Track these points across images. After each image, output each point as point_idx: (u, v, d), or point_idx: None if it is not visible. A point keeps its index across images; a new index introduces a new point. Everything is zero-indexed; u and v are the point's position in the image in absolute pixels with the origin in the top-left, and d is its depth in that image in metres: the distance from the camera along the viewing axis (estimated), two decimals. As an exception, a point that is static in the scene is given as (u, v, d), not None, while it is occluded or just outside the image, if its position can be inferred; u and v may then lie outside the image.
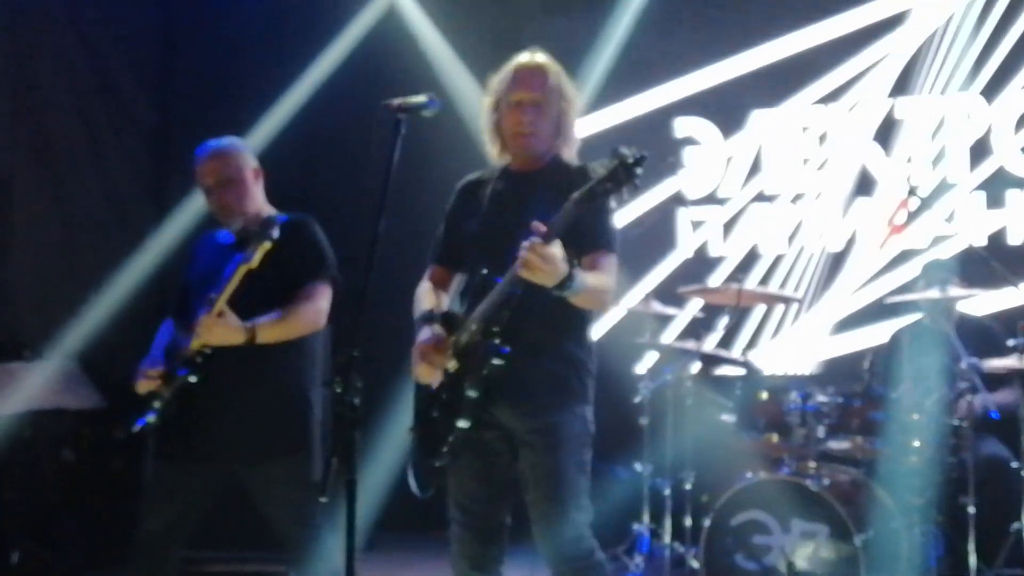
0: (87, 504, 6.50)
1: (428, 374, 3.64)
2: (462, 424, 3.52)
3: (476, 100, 7.09)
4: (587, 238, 3.53)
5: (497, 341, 3.46)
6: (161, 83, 8.12)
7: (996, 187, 6.56)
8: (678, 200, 6.98)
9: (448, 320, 3.70)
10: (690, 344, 5.95)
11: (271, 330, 4.03)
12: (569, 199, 3.27)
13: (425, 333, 3.64)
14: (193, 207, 6.71)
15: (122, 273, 7.07)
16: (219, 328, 3.91)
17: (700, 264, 7.13)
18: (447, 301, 3.84)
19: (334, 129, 7.18)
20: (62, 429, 6.60)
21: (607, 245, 3.60)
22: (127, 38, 7.84)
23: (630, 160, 3.17)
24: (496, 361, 3.46)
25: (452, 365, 3.60)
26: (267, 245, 3.87)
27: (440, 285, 3.87)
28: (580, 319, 3.64)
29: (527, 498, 3.58)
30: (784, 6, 7.10)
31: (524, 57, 3.78)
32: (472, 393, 3.50)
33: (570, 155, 3.75)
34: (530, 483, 3.56)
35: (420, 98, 3.53)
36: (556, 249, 3.26)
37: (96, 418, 6.44)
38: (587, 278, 3.42)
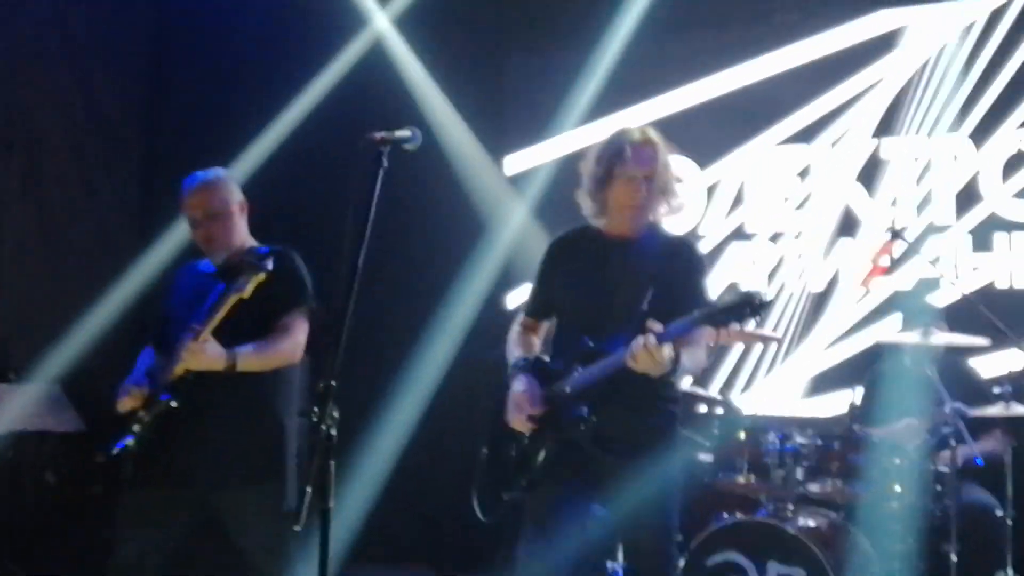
0: (68, 526, 6.50)
1: (523, 424, 3.93)
2: (532, 471, 3.92)
3: (457, 133, 7.26)
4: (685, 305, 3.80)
5: (586, 409, 3.79)
6: (149, 115, 8.19)
7: (984, 231, 6.54)
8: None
9: (540, 369, 4.04)
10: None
11: (251, 360, 4.08)
12: (694, 315, 3.60)
13: (522, 383, 3.97)
14: (176, 236, 6.75)
15: (105, 300, 7.08)
16: (203, 354, 3.95)
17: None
18: (538, 345, 4.23)
19: (318, 161, 7.25)
20: (45, 452, 6.63)
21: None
22: (117, 70, 7.92)
23: (757, 302, 3.50)
24: (583, 427, 3.80)
25: (537, 416, 3.92)
26: (261, 277, 3.90)
27: (531, 331, 4.26)
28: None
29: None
30: (764, 34, 7.10)
31: (636, 133, 4.02)
32: (548, 451, 3.90)
33: (666, 218, 4.09)
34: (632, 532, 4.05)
35: (403, 132, 3.55)
36: (667, 350, 3.61)
37: (78, 441, 6.44)
38: (686, 362, 3.78)
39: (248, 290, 3.89)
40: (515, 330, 4.26)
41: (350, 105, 7.26)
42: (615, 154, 3.97)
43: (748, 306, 3.51)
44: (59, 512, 6.60)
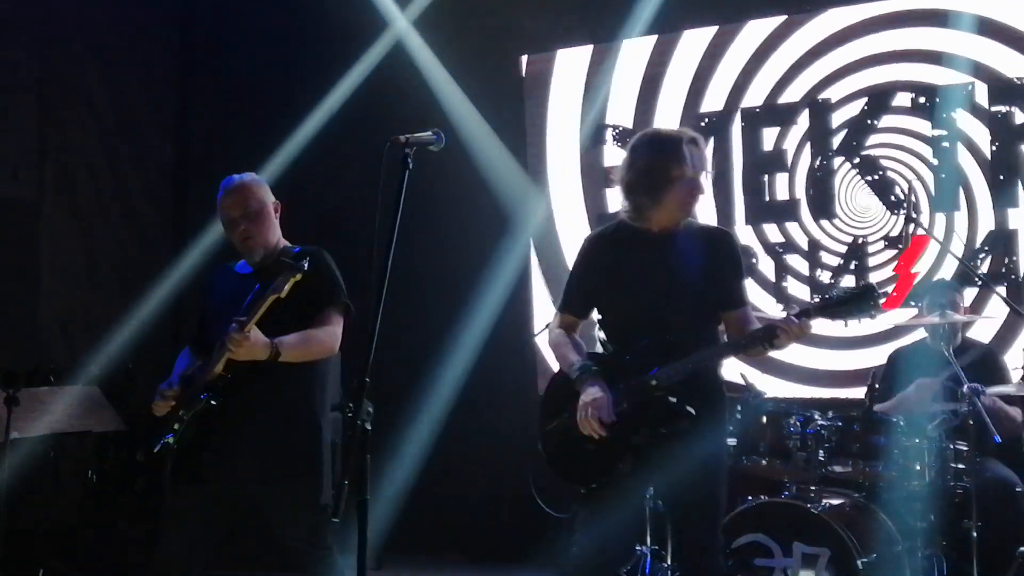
0: (110, 524, 6.63)
1: (595, 430, 3.89)
2: (623, 467, 3.92)
3: (480, 133, 7.32)
4: (734, 294, 4.05)
5: (675, 400, 3.87)
6: (179, 120, 8.31)
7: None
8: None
9: (606, 367, 4.01)
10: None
11: (293, 350, 4.14)
12: (812, 307, 3.79)
13: (596, 389, 3.93)
14: (208, 238, 6.88)
15: (141, 302, 7.22)
16: (248, 344, 4.01)
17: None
18: (579, 343, 4.19)
19: (344, 161, 7.35)
20: (86, 451, 6.75)
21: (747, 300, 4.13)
22: (146, 77, 8.05)
23: (877, 295, 3.64)
24: (684, 423, 3.87)
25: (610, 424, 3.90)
26: (297, 277, 3.98)
27: (572, 329, 4.22)
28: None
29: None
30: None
31: (689, 134, 4.07)
32: (642, 441, 3.90)
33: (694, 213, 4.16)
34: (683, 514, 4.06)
35: (427, 134, 3.62)
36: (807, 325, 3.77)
37: (118, 441, 6.58)
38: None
39: (285, 290, 3.98)
40: (557, 331, 4.22)
41: (373, 106, 7.35)
42: (672, 155, 3.97)
43: (869, 299, 3.64)
44: (101, 510, 6.73)
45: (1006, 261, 6.43)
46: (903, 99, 6.71)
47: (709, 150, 7.07)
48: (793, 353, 6.68)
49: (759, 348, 3.86)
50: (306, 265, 4.00)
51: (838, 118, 6.89)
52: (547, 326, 4.41)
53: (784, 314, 3.86)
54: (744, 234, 7.11)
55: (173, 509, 4.28)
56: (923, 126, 6.64)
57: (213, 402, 4.13)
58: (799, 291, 6.97)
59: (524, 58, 7.66)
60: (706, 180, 4.08)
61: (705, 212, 7.13)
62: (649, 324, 3.97)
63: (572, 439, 3.98)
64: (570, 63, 7.59)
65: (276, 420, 4.22)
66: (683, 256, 4.02)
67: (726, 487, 4.08)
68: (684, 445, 3.87)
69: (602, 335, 4.26)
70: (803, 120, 6.99)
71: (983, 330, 6.28)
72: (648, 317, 3.99)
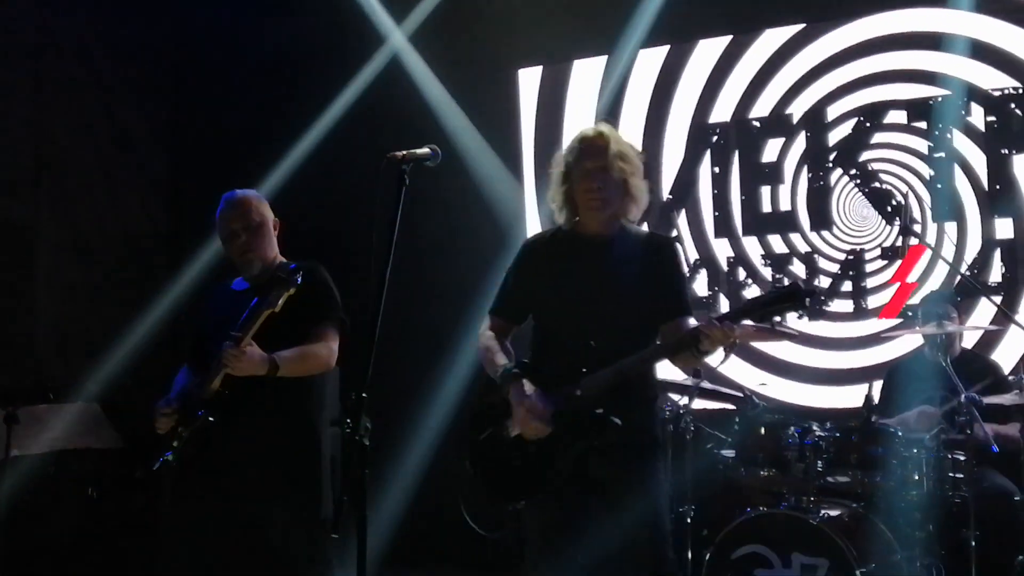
0: (110, 540, 6.63)
1: (537, 430, 3.81)
2: (554, 477, 3.81)
3: (476, 148, 7.34)
4: (673, 303, 3.95)
5: (601, 411, 3.77)
6: (174, 137, 8.31)
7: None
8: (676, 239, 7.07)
9: (533, 375, 3.91)
10: (688, 379, 6.01)
11: (291, 364, 4.18)
12: (742, 305, 3.70)
13: (527, 389, 3.85)
14: (206, 255, 6.89)
15: (139, 318, 7.24)
16: (245, 359, 4.04)
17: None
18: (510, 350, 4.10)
19: (341, 177, 7.34)
20: (85, 468, 6.75)
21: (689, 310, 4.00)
22: (141, 95, 8.07)
23: (806, 294, 3.54)
24: (611, 435, 3.75)
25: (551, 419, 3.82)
26: (291, 291, 4.01)
27: (503, 334, 4.12)
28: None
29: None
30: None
31: (588, 130, 4.07)
32: (575, 453, 3.80)
33: (636, 215, 4.07)
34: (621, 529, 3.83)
35: (423, 150, 3.63)
36: (738, 329, 3.65)
37: (117, 458, 6.58)
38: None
39: (279, 304, 4.00)
40: (488, 335, 4.12)
41: (370, 122, 7.37)
42: (569, 152, 4.03)
43: (796, 299, 3.54)
44: (100, 526, 6.73)
45: (1002, 271, 6.43)
46: (898, 111, 6.72)
47: (707, 162, 7.19)
48: (790, 353, 6.76)
49: (687, 354, 3.75)
50: (300, 279, 4.02)
51: (834, 130, 6.91)
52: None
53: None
54: (744, 245, 7.14)
55: (173, 526, 4.32)
56: (919, 138, 6.65)
57: (211, 419, 4.15)
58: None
59: (520, 72, 7.67)
60: (620, 173, 3.96)
61: (704, 224, 7.17)
62: (579, 332, 3.87)
63: (500, 454, 3.92)
64: (574, 77, 7.60)
65: (274, 436, 4.25)
66: (619, 263, 3.96)
67: (665, 495, 4.00)
68: (614, 457, 3.81)
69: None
70: (800, 132, 7.00)
71: (974, 338, 6.28)
72: (578, 325, 3.90)
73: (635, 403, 3.88)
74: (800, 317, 3.75)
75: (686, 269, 4.16)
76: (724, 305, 7.05)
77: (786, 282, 3.52)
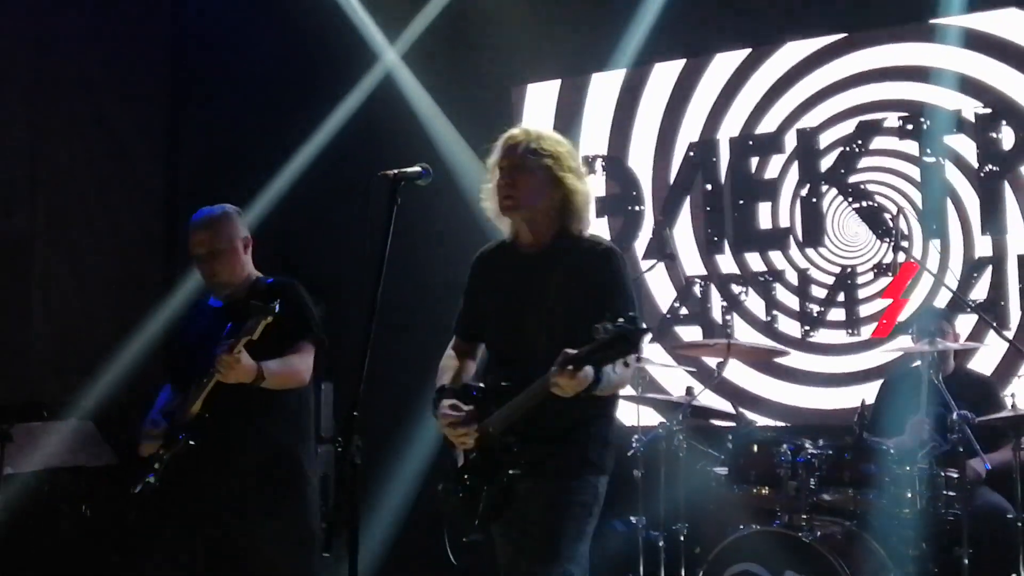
0: (104, 558, 6.62)
1: (467, 439, 3.64)
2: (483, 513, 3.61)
3: (471, 166, 7.37)
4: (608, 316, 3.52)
5: (516, 449, 3.54)
6: (169, 152, 8.32)
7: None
8: (669, 256, 7.12)
9: (465, 395, 3.71)
10: (682, 397, 6.03)
11: (275, 375, 4.21)
12: (579, 355, 3.27)
13: (445, 403, 3.69)
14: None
15: (133, 335, 7.23)
16: (238, 366, 4.07)
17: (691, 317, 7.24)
18: (472, 369, 3.91)
19: (334, 194, 7.39)
20: (80, 486, 6.74)
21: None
22: (137, 109, 8.06)
23: (633, 337, 3.20)
24: (512, 471, 3.54)
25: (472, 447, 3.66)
26: (269, 320, 4.03)
27: (465, 355, 3.91)
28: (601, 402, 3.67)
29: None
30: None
31: (513, 129, 3.84)
32: (493, 489, 3.59)
33: (577, 222, 3.76)
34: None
35: (415, 168, 3.65)
36: (583, 372, 3.30)
37: (111, 475, 6.57)
38: (612, 376, 3.44)
39: (257, 332, 4.04)
40: (446, 356, 3.93)
41: (362, 139, 7.40)
42: (493, 153, 3.80)
43: (628, 342, 3.20)
44: (95, 545, 6.72)
45: (995, 288, 6.45)
46: (891, 127, 6.75)
47: (697, 181, 7.21)
48: (778, 391, 6.78)
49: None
50: (277, 307, 4.03)
51: (826, 147, 6.94)
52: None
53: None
54: (732, 263, 7.16)
55: (155, 548, 4.32)
56: (911, 154, 6.69)
57: (192, 442, 4.18)
58: (788, 323, 7.00)
59: (513, 90, 7.70)
60: (535, 172, 3.69)
61: (693, 241, 7.19)
62: (515, 353, 3.68)
63: (453, 485, 3.74)
64: (563, 93, 7.65)
65: (255, 455, 4.27)
66: (551, 276, 3.66)
67: (577, 519, 3.63)
68: (529, 492, 3.57)
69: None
70: (791, 149, 7.03)
71: (975, 357, 6.29)
72: (514, 345, 3.70)
73: (549, 436, 3.59)
74: (638, 361, 3.57)
75: (621, 273, 3.71)
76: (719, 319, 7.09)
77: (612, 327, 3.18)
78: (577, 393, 3.37)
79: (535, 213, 3.74)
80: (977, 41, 6.51)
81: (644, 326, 3.25)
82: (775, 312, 7.00)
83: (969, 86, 6.54)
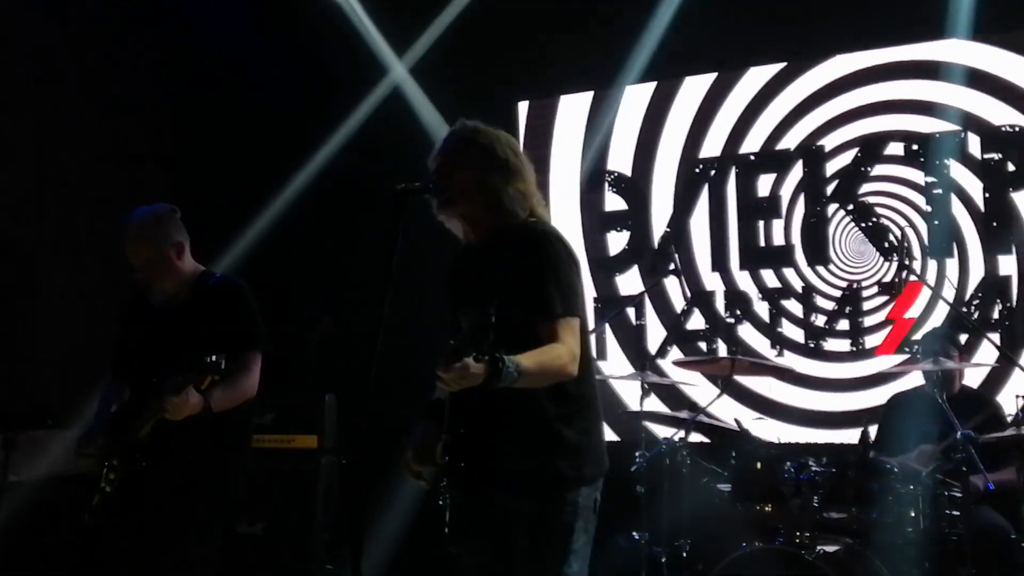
0: (106, 568, 6.60)
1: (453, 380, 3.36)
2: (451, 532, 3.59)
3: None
4: (535, 304, 3.44)
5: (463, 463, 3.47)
6: (177, 159, 8.35)
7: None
8: (674, 272, 7.12)
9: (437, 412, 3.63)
10: (685, 413, 6.04)
11: (221, 402, 4.31)
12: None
13: (418, 431, 3.65)
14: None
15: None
16: (186, 406, 4.16)
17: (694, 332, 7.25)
18: None
19: (340, 210, 7.43)
20: (82, 495, 6.73)
21: (563, 311, 3.46)
22: (144, 116, 8.08)
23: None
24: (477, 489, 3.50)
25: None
26: (216, 377, 4.14)
27: None
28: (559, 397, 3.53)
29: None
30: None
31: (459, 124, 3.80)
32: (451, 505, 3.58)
33: (518, 213, 3.63)
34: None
35: (424, 182, 3.66)
36: (469, 363, 3.18)
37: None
38: (523, 362, 3.28)
39: (204, 384, 4.15)
40: None
41: (370, 153, 7.42)
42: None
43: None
44: (97, 554, 6.71)
45: (999, 308, 6.45)
46: (896, 147, 6.77)
47: (704, 197, 7.22)
48: (787, 394, 6.77)
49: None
50: (223, 365, 4.09)
51: (832, 165, 6.95)
52: None
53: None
54: (740, 279, 7.18)
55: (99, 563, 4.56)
56: (916, 174, 6.70)
57: (144, 463, 4.30)
58: (793, 338, 7.01)
59: (523, 104, 7.74)
60: (462, 172, 3.63)
61: (698, 257, 7.21)
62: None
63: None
64: (572, 108, 7.68)
65: (184, 472, 4.36)
66: (490, 272, 3.57)
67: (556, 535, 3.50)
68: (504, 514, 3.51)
69: None
70: (797, 167, 7.05)
71: (976, 376, 6.28)
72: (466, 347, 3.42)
73: (519, 434, 3.50)
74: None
75: (550, 258, 3.52)
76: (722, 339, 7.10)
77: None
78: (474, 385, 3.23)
79: (473, 209, 3.65)
80: (986, 62, 6.53)
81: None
82: (780, 331, 7.01)
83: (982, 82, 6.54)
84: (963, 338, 6.18)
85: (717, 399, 6.04)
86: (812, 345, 6.89)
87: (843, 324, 6.85)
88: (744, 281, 7.16)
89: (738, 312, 7.11)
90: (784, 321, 7.03)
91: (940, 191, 6.59)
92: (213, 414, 4.28)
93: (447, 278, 3.85)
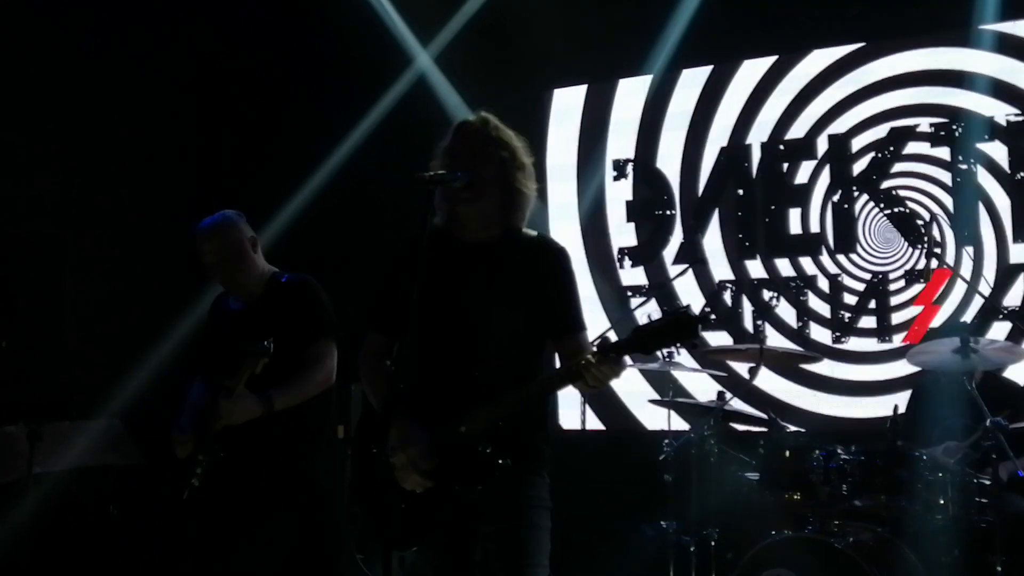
0: (131, 559, 6.64)
1: (418, 483, 3.39)
2: (443, 518, 3.43)
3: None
4: (566, 318, 3.58)
5: (489, 450, 3.37)
6: (200, 154, 8.36)
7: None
8: (700, 261, 7.11)
9: (414, 407, 3.44)
10: (713, 402, 6.01)
11: (286, 398, 4.32)
12: (621, 342, 3.21)
13: (407, 432, 3.39)
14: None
15: (163, 336, 7.27)
16: (238, 410, 4.20)
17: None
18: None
19: (367, 199, 7.42)
20: (107, 486, 6.77)
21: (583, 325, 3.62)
22: (170, 115, 8.11)
23: (692, 316, 3.11)
24: (500, 475, 3.38)
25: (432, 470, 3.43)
26: (265, 360, 4.16)
27: (387, 355, 3.41)
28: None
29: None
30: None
31: (469, 117, 3.79)
32: (457, 497, 3.41)
33: (520, 218, 3.63)
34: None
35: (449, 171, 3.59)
36: (623, 362, 3.25)
37: (139, 475, 6.60)
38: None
39: (259, 368, 4.17)
40: (368, 359, 3.64)
41: (396, 142, 7.37)
42: (444, 139, 3.67)
43: (686, 325, 3.12)
44: (122, 545, 6.74)
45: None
46: (923, 132, 6.73)
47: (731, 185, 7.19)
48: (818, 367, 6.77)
49: (577, 385, 3.32)
50: (272, 347, 4.14)
51: (859, 153, 6.92)
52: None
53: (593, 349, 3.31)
54: (763, 269, 7.15)
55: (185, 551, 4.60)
56: (944, 160, 6.67)
57: (222, 454, 4.30)
58: (819, 330, 6.98)
59: (553, 93, 7.74)
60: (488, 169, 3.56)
61: (723, 246, 7.17)
62: (458, 354, 3.47)
63: (386, 497, 3.42)
64: (591, 98, 7.67)
65: (257, 470, 4.39)
66: (502, 273, 3.52)
67: (545, 540, 3.50)
68: (500, 502, 3.43)
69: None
70: (826, 156, 7.01)
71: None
72: (456, 346, 3.48)
73: (526, 441, 3.49)
74: (693, 347, 3.36)
75: (573, 272, 3.62)
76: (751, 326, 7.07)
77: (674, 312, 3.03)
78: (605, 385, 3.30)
79: (487, 205, 3.58)
80: (1011, 46, 6.48)
81: (698, 312, 3.18)
82: (806, 318, 6.97)
83: (1002, 91, 6.51)
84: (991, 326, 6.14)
85: (749, 383, 6.04)
86: (838, 334, 6.85)
87: (869, 313, 6.81)
88: (770, 269, 7.13)
89: (765, 300, 7.07)
90: (809, 310, 6.99)
91: (969, 178, 6.55)
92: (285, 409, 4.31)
93: (405, 256, 3.51)
